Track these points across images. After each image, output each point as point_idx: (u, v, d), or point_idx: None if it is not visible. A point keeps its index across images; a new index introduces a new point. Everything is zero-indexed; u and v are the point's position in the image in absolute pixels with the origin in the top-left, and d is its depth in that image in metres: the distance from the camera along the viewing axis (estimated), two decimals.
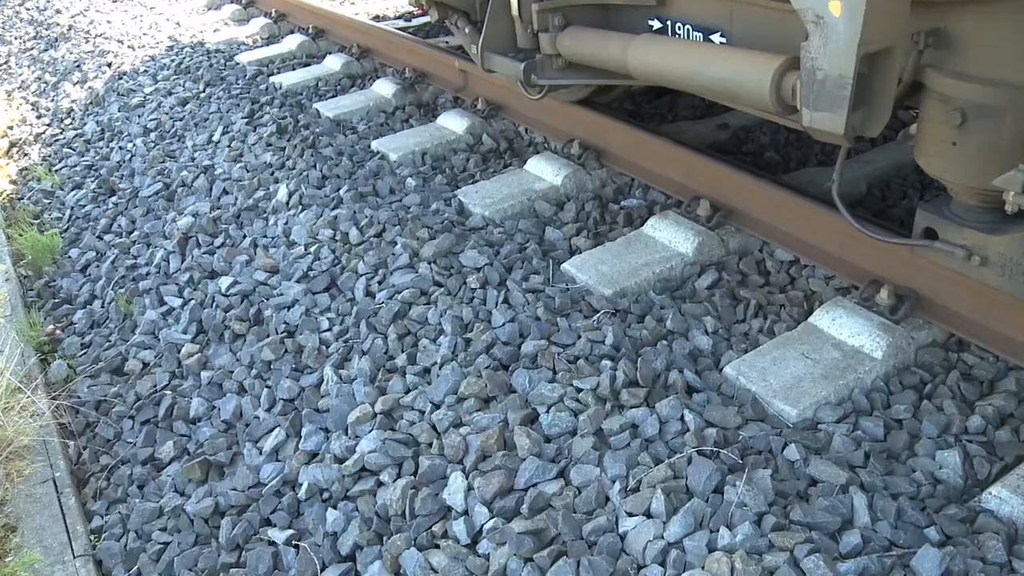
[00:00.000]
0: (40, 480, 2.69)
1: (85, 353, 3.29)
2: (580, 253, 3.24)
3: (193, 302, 3.28)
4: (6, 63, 7.27)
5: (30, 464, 2.74)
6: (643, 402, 2.46)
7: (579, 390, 2.50)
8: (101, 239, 4.05)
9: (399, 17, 7.07)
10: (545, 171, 3.83)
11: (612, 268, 3.09)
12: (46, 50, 7.30)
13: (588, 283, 3.03)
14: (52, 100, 6.16)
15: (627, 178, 3.83)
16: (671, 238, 3.21)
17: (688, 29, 3.02)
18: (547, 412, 2.44)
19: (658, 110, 4.61)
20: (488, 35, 3.47)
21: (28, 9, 8.78)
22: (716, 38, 2.92)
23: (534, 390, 2.51)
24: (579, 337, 2.73)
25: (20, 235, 4.17)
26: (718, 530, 2.04)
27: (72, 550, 2.45)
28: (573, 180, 3.76)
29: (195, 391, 2.91)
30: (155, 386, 3.00)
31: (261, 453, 2.60)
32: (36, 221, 4.46)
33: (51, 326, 3.51)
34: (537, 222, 3.51)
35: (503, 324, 2.80)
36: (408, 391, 2.65)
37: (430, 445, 2.44)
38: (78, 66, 6.65)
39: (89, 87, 6.12)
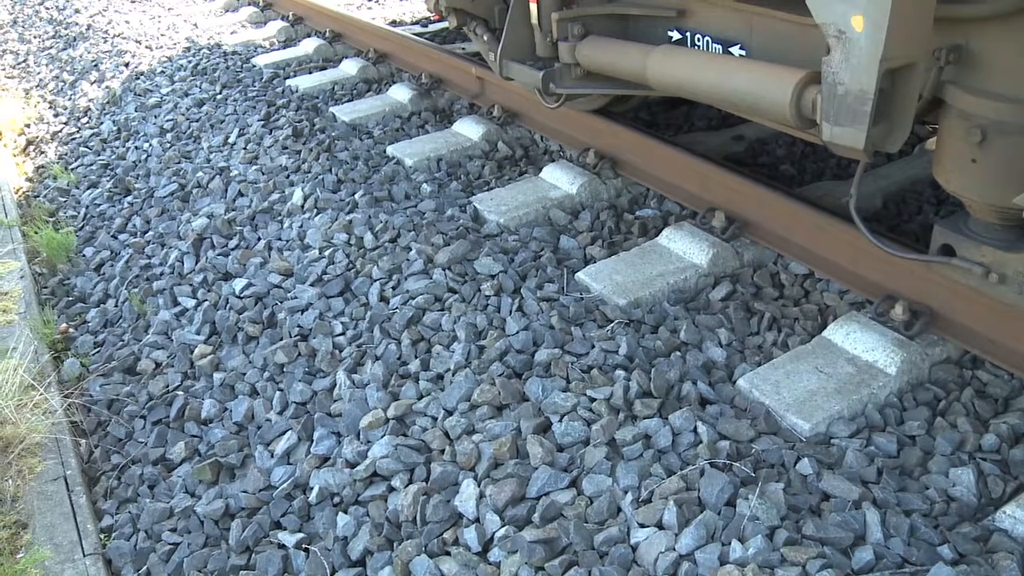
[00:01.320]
0: (51, 478, 2.70)
1: (98, 352, 3.30)
2: (595, 262, 3.24)
3: (207, 303, 3.29)
4: (25, 62, 7.31)
5: (42, 461, 2.75)
6: (656, 413, 2.46)
7: (592, 400, 2.50)
8: (116, 238, 4.07)
9: (416, 22, 7.09)
10: (560, 179, 3.83)
11: (626, 278, 3.09)
12: (64, 49, 7.34)
13: (602, 293, 3.03)
14: (69, 99, 6.19)
15: (642, 188, 3.83)
16: (686, 249, 3.21)
17: (708, 41, 3.02)
18: (560, 421, 2.44)
19: (674, 120, 4.61)
20: (507, 43, 3.48)
21: (48, 8, 8.84)
22: (736, 50, 2.92)
23: (547, 399, 2.51)
24: (593, 347, 2.73)
25: (35, 232, 4.19)
26: (730, 543, 2.04)
27: (82, 548, 2.45)
28: (588, 189, 3.76)
29: (207, 392, 2.92)
30: (167, 386, 3.01)
31: (272, 456, 2.61)
32: (51, 219, 4.49)
33: (64, 324, 3.52)
34: (552, 230, 3.51)
35: (517, 332, 2.80)
36: (421, 397, 2.65)
37: (442, 452, 2.44)
38: (96, 66, 6.68)
39: (106, 87, 6.15)
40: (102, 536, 2.52)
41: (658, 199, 3.73)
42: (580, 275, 3.14)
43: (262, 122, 4.88)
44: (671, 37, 3.15)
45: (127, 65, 6.52)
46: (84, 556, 2.43)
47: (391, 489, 2.38)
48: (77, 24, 7.97)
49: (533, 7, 3.31)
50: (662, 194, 3.71)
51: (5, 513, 2.55)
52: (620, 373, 2.59)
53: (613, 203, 3.75)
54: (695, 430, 2.39)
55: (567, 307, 2.92)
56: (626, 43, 3.12)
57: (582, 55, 3.26)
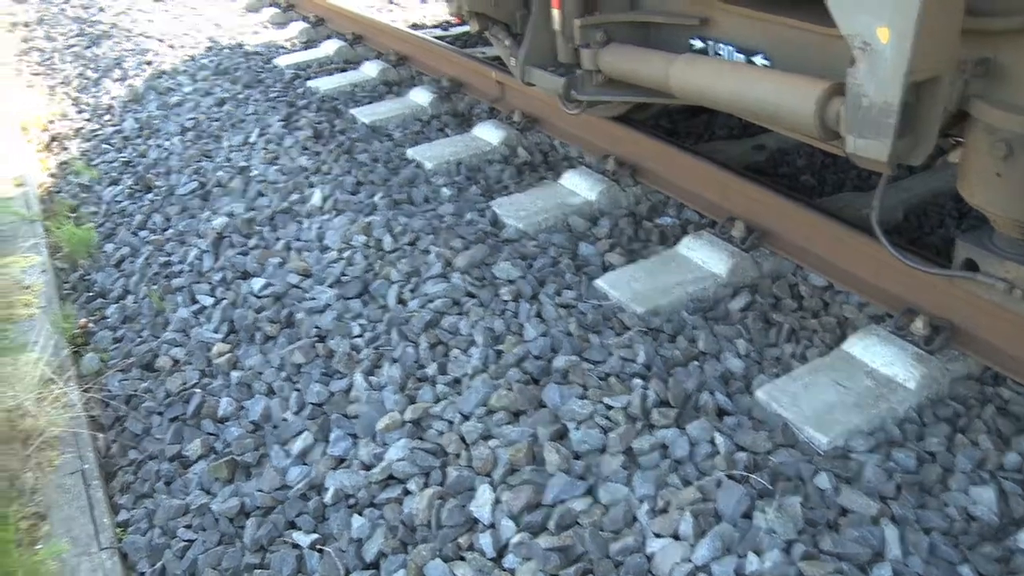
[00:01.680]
0: (69, 471, 2.72)
1: (117, 347, 3.32)
2: (613, 270, 3.24)
3: (225, 302, 3.30)
4: (50, 59, 7.36)
5: (60, 455, 2.77)
6: (673, 423, 2.45)
7: (609, 408, 2.50)
8: (136, 235, 4.09)
9: (437, 26, 7.10)
10: (580, 186, 3.83)
11: (645, 286, 3.08)
12: (89, 47, 7.39)
13: (621, 300, 3.03)
14: (93, 96, 6.23)
15: (662, 196, 3.82)
16: (705, 258, 3.20)
17: (730, 50, 3.01)
18: (577, 428, 2.44)
19: (694, 129, 4.61)
20: (528, 48, 3.48)
21: (73, 7, 8.90)
22: (758, 60, 2.91)
23: (564, 406, 2.51)
24: (610, 354, 2.72)
25: (58, 228, 4.22)
26: (746, 556, 2.03)
27: (99, 542, 2.46)
28: (608, 196, 3.76)
29: (224, 390, 2.93)
30: (185, 384, 3.02)
31: (288, 456, 2.61)
32: (73, 215, 4.51)
33: (84, 319, 3.54)
34: (571, 236, 3.51)
35: (535, 338, 2.80)
36: (438, 401, 2.65)
37: (458, 456, 2.44)
38: (119, 64, 6.73)
39: (129, 84, 6.19)
40: (118, 530, 2.53)
41: (677, 207, 3.72)
42: (598, 282, 3.14)
43: (283, 122, 4.91)
44: (694, 46, 3.15)
45: (150, 64, 6.56)
46: (101, 550, 2.44)
47: (406, 492, 2.38)
48: (101, 23, 8.03)
49: (556, 13, 3.31)
50: (682, 202, 3.70)
51: (24, 505, 2.56)
52: (638, 382, 2.59)
53: (632, 210, 3.75)
54: (712, 441, 2.39)
55: (585, 314, 2.92)
56: (648, 51, 3.11)
57: (604, 62, 3.26)
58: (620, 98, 3.40)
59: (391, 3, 8.06)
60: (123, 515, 2.59)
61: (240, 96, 5.51)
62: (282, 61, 6.18)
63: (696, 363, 2.72)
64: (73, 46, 7.54)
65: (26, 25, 8.53)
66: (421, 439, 2.51)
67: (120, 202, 4.45)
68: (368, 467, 2.48)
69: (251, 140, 4.76)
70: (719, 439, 2.37)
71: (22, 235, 4.22)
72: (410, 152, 4.39)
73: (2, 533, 2.43)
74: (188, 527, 2.50)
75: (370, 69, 5.80)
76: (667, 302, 3.01)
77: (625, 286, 3.08)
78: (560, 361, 2.69)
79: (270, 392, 2.88)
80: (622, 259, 3.33)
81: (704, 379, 2.63)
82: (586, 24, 3.25)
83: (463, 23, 5.65)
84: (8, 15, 8.76)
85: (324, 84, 5.57)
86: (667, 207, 3.76)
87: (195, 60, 6.48)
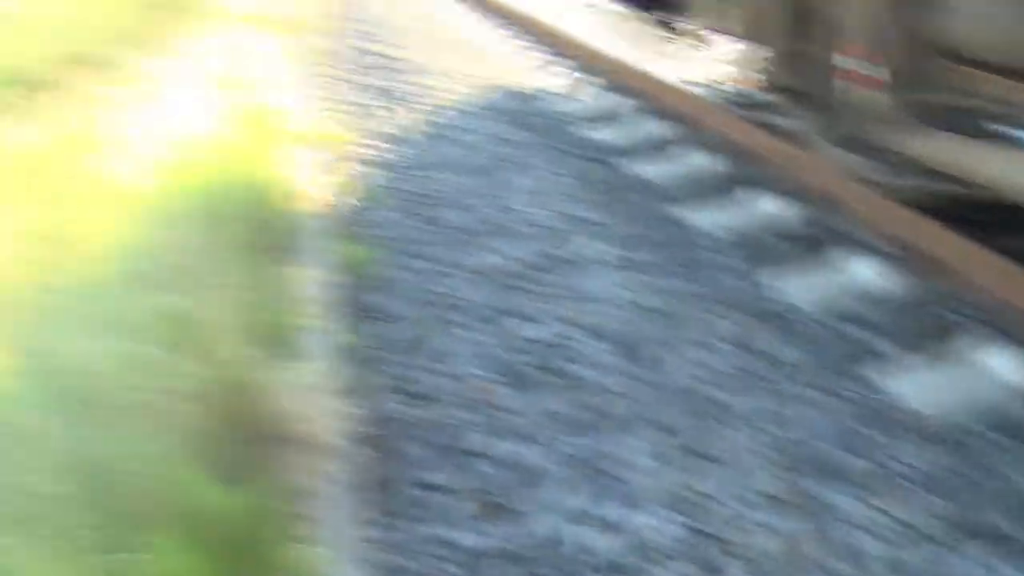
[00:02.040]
0: (334, 481, 2.85)
1: (385, 370, 3.47)
2: (899, 364, 3.03)
3: (493, 341, 3.38)
4: (334, 87, 7.93)
5: (327, 464, 2.91)
6: (954, 543, 2.24)
7: (885, 514, 2.32)
8: (411, 263, 4.28)
9: (720, 86, 7.01)
10: (866, 270, 3.63)
11: (929, 386, 2.86)
12: (374, 78, 7.91)
13: (907, 399, 2.82)
14: (374, 124, 6.64)
15: (953, 290, 3.55)
16: (1004, 367, 2.93)
17: None
18: (846, 531, 2.28)
19: (997, 222, 4.25)
20: (829, 124, 3.38)
21: (358, 40, 9.58)
22: None
23: (834, 504, 2.36)
24: (891, 457, 2.54)
25: (337, 246, 4.49)
26: None
27: (352, 554, 2.55)
28: (893, 283, 3.54)
29: (484, 429, 2.98)
30: (445, 416, 3.10)
31: (536, 504, 2.61)
32: (354, 236, 4.79)
33: (356, 337, 3.73)
34: (855, 323, 3.32)
35: (808, 425, 2.66)
36: (699, 476, 2.57)
37: (716, 537, 2.34)
38: (400, 95, 7.15)
39: (409, 116, 6.56)
40: (371, 546, 2.62)
41: (975, 306, 3.43)
42: (882, 377, 2.94)
43: (556, 169, 5.01)
44: (1018, 137, 2.93)
45: (429, 98, 6.92)
46: (354, 562, 2.53)
47: (657, 564, 2.31)
48: (385, 55, 8.60)
49: (866, 92, 3.18)
50: (979, 302, 3.41)
51: (292, 505, 2.71)
52: (919, 491, 2.39)
53: (923, 302, 3.49)
54: (996, 569, 2.16)
55: (864, 407, 2.75)
56: (963, 139, 2.93)
57: (909, 146, 3.10)
58: (924, 184, 3.22)
59: (669, 59, 8.08)
60: (377, 532, 2.68)
61: (517, 139, 5.70)
62: (561, 108, 6.34)
63: (982, 479, 2.48)
64: (358, 76, 8.10)
65: (314, 55, 9.26)
66: (678, 512, 2.44)
67: (397, 229, 4.69)
68: (618, 531, 2.43)
69: (524, 183, 4.90)
70: (1004, 569, 2.14)
71: (307, 249, 4.53)
72: (685, 214, 4.35)
73: (275, 526, 2.58)
74: (434, 557, 2.55)
75: (649, 125, 5.83)
76: (958, 409, 2.77)
77: (912, 384, 2.87)
78: (833, 455, 2.53)
79: (528, 439, 2.90)
80: (906, 353, 3.11)
81: (991, 499, 2.40)
82: (894, 104, 3.11)
83: (755, 88, 5.55)
84: (296, 46, 9.53)
85: (601, 135, 5.66)
86: (959, 303, 3.48)
87: (471, 98, 6.78)
